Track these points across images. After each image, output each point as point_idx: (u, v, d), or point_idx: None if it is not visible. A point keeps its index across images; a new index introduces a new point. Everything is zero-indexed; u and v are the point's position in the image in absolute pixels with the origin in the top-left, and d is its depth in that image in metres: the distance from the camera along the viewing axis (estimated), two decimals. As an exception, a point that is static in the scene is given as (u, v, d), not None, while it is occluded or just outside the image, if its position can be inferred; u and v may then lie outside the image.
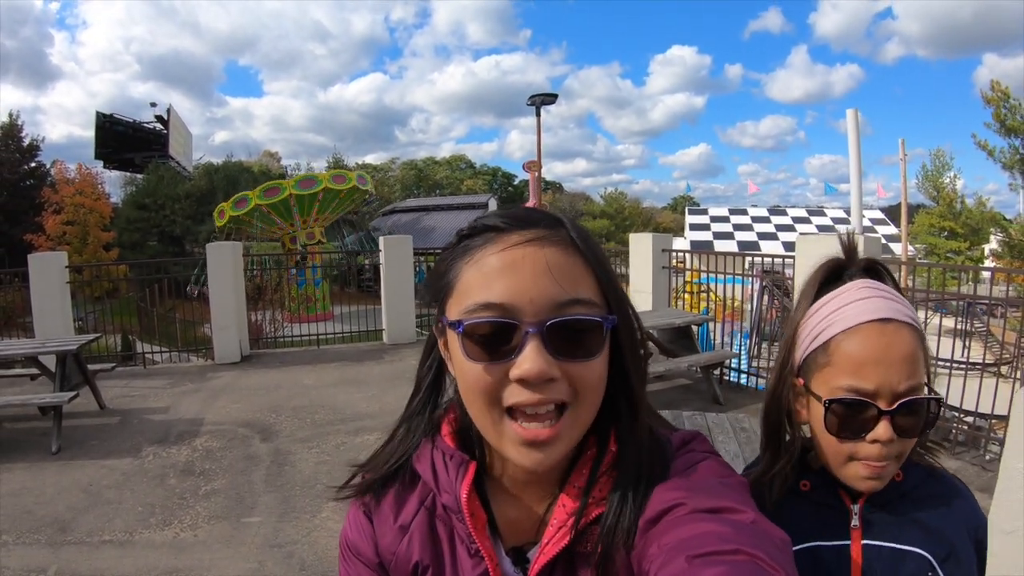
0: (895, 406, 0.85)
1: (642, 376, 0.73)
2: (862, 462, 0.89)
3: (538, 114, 19.26)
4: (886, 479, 0.90)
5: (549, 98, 19.44)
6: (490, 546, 0.72)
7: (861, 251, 0.99)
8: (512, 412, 0.65)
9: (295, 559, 3.46)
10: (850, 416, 0.88)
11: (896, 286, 0.95)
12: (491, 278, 0.64)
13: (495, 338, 0.63)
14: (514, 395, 0.63)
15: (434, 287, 0.72)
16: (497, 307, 0.63)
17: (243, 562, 3.43)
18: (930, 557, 0.91)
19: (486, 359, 0.64)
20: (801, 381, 0.96)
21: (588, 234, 0.70)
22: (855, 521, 0.93)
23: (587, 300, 0.65)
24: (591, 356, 0.65)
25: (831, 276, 0.98)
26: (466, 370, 0.66)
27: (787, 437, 1.01)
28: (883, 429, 0.86)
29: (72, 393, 5.29)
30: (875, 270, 0.97)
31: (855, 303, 0.89)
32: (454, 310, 0.67)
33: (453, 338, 0.67)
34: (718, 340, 7.93)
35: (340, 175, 21.77)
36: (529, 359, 0.62)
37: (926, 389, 0.89)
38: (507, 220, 0.68)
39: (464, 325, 0.64)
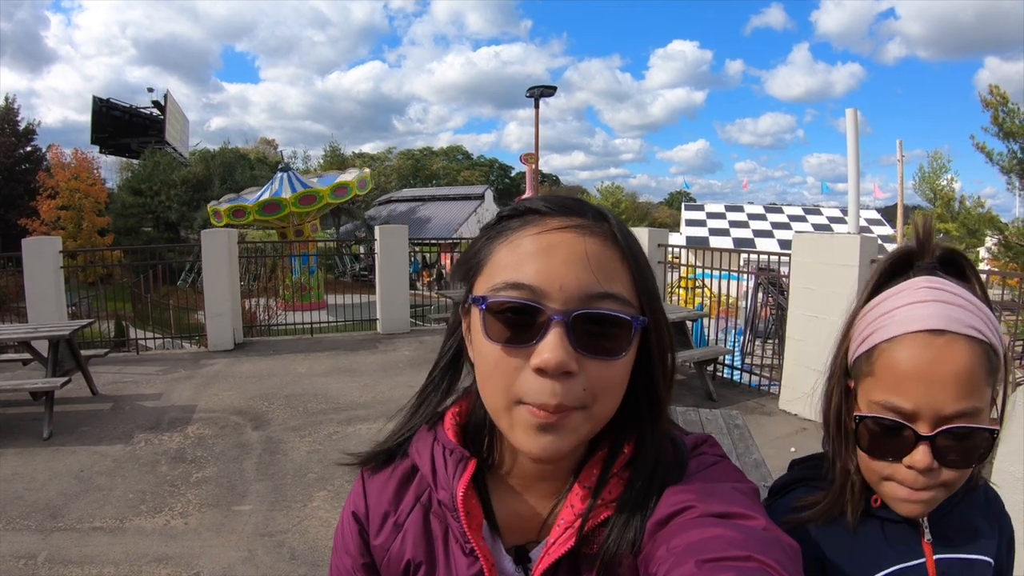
0: (935, 432, 0.74)
1: (669, 382, 0.71)
2: (899, 484, 0.79)
3: (536, 106, 19.22)
4: (931, 507, 0.80)
5: (548, 90, 19.40)
6: (486, 546, 0.70)
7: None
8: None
9: (285, 548, 3.46)
10: (884, 436, 0.78)
11: (980, 285, 0.82)
12: (524, 259, 0.62)
13: (518, 320, 0.61)
14: (531, 394, 0.60)
15: (465, 265, 0.69)
16: (525, 288, 0.61)
17: (233, 550, 3.43)
18: (991, 561, 0.86)
19: (505, 341, 0.62)
20: (852, 383, 0.86)
21: (630, 233, 0.68)
22: (928, 535, 0.84)
23: (620, 296, 0.62)
24: (615, 355, 0.62)
25: (900, 267, 0.86)
26: (485, 351, 0.64)
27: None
28: (921, 455, 0.76)
29: (64, 379, 5.27)
30: (954, 263, 0.84)
31: (908, 307, 0.79)
32: (482, 288, 0.65)
33: (476, 316, 0.65)
34: (712, 336, 7.94)
35: (342, 187, 21.07)
36: (550, 347, 0.59)
37: (989, 414, 0.76)
38: (550, 205, 0.66)
39: (488, 302, 0.62)
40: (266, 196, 20.56)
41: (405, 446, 0.80)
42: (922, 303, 0.77)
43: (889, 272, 0.86)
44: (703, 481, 0.67)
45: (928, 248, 0.84)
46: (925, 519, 0.84)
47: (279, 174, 22.28)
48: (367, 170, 22.90)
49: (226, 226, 19.59)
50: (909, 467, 0.76)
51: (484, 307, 0.63)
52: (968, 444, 0.75)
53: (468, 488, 0.70)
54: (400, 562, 0.75)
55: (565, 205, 0.66)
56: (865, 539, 0.84)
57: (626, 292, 0.64)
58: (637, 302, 0.65)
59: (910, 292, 0.79)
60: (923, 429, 0.75)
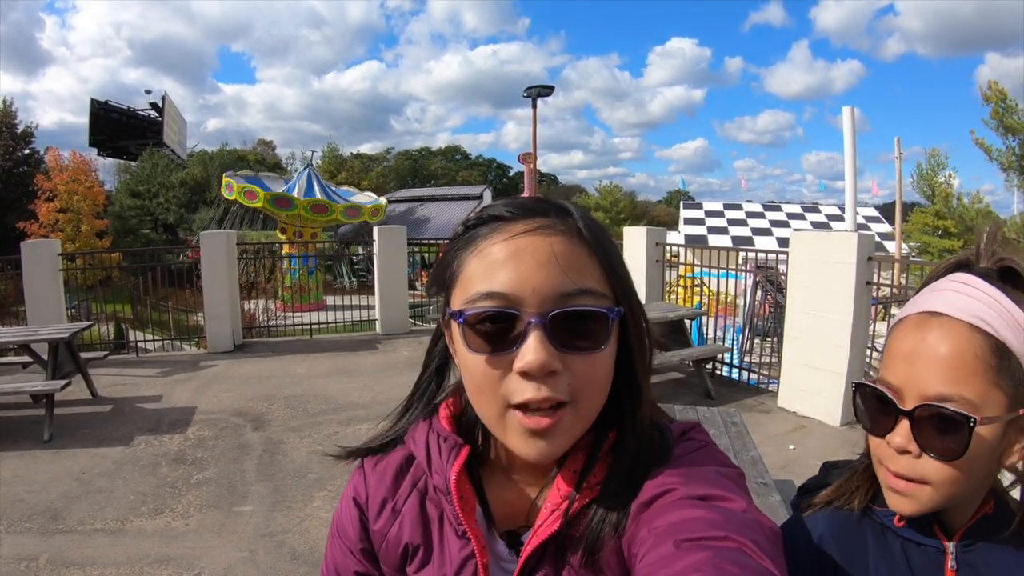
0: (914, 408, 0.74)
1: (647, 368, 0.72)
2: (887, 470, 0.79)
3: (534, 106, 19.22)
4: (921, 503, 0.77)
5: (546, 90, 19.38)
6: (477, 528, 0.72)
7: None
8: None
9: (286, 548, 3.47)
10: (876, 409, 0.79)
11: None
12: (494, 267, 0.63)
13: (497, 328, 0.62)
14: (518, 393, 0.62)
15: (439, 278, 0.71)
16: (499, 296, 0.62)
17: (234, 551, 3.44)
18: None
19: (488, 350, 0.63)
20: None
21: (597, 225, 0.69)
22: (952, 562, 0.80)
23: (593, 290, 0.64)
24: (596, 349, 0.64)
25: (957, 271, 0.82)
26: (469, 362, 0.65)
27: None
28: (900, 430, 0.75)
29: (64, 381, 5.28)
30: (1013, 273, 0.78)
31: (925, 294, 0.79)
32: (457, 300, 0.66)
33: (456, 330, 0.66)
34: (711, 334, 7.95)
35: (353, 208, 21.03)
36: (531, 350, 0.60)
37: (992, 414, 0.72)
38: (513, 209, 0.67)
39: (465, 315, 0.63)
40: (283, 189, 20.48)
41: (396, 444, 0.82)
42: (941, 291, 0.77)
43: (944, 274, 0.82)
44: (687, 465, 0.68)
45: (983, 256, 0.81)
46: (953, 546, 0.80)
47: (304, 170, 22.46)
48: (383, 200, 22.79)
49: (235, 200, 19.85)
50: (889, 444, 0.77)
51: (462, 320, 0.64)
52: (948, 430, 0.72)
53: (461, 473, 0.72)
54: (398, 546, 0.77)
55: (528, 207, 0.67)
56: (881, 563, 0.82)
57: (598, 285, 0.65)
58: (611, 293, 0.66)
59: (942, 282, 0.79)
60: (905, 406, 0.75)
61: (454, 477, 0.71)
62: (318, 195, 20.76)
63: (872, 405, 0.80)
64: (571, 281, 0.63)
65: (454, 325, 0.67)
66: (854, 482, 0.89)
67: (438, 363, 0.81)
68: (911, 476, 0.76)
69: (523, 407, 0.62)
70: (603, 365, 0.65)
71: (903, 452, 0.76)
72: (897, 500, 0.79)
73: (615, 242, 0.70)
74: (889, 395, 0.77)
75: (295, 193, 20.26)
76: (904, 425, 0.75)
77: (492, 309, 0.62)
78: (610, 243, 0.69)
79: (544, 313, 0.61)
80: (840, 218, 22.70)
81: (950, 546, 0.80)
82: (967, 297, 0.74)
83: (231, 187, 19.58)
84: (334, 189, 23.15)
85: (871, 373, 5.72)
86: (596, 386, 0.65)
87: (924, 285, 0.83)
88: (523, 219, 0.66)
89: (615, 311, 0.65)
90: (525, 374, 0.61)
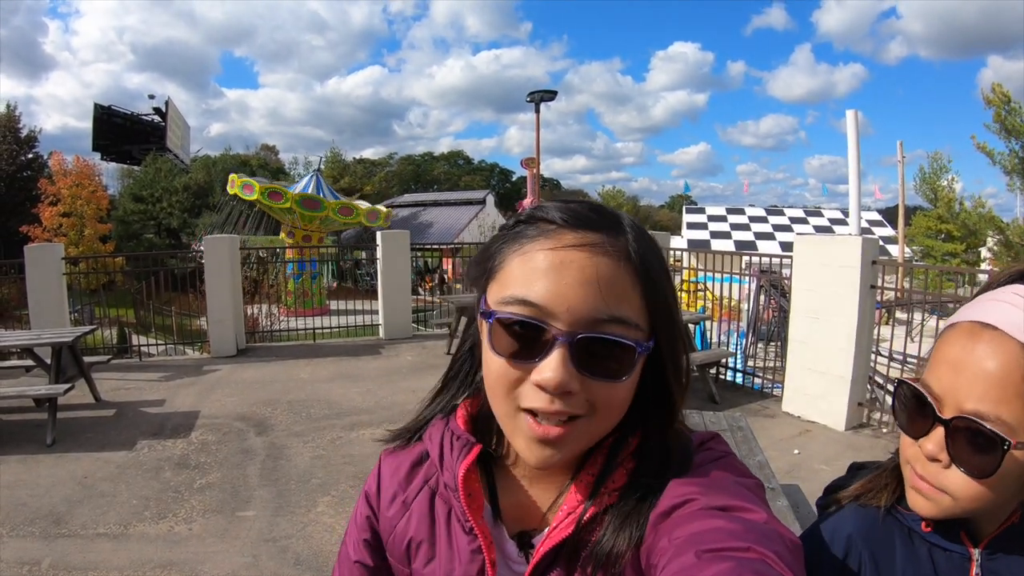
0: (951, 418, 0.72)
1: (683, 391, 0.72)
2: (912, 467, 0.79)
3: (537, 111, 19.27)
4: (941, 508, 0.76)
5: (548, 95, 19.43)
6: (485, 525, 0.72)
7: None
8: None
9: (289, 553, 3.46)
10: (914, 410, 0.78)
11: None
12: (534, 275, 0.62)
13: (523, 335, 0.62)
14: (531, 399, 0.62)
15: (481, 266, 0.70)
16: (532, 306, 0.61)
17: (238, 556, 3.43)
18: None
19: (510, 355, 0.63)
20: None
21: (649, 244, 0.67)
22: (976, 569, 0.79)
23: (627, 320, 0.63)
24: (617, 378, 0.63)
25: (1018, 279, 0.79)
26: (490, 361, 0.65)
27: None
28: (934, 437, 0.74)
29: (67, 385, 5.27)
30: None
31: (982, 302, 0.76)
32: (492, 297, 0.66)
33: (483, 327, 0.66)
34: (715, 339, 7.93)
35: (347, 207, 20.64)
36: (552, 367, 0.60)
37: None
38: (566, 216, 0.65)
39: (495, 316, 0.63)
40: (309, 191, 20.36)
41: (423, 431, 0.83)
42: (997, 302, 0.74)
43: (1006, 282, 0.79)
44: (707, 475, 0.67)
45: None
46: (978, 553, 0.80)
47: (311, 173, 22.48)
48: (386, 209, 22.78)
49: (256, 201, 19.55)
50: (921, 449, 0.76)
51: (492, 320, 0.64)
52: (981, 448, 0.70)
53: (470, 471, 0.72)
54: (404, 540, 0.78)
55: (581, 218, 0.65)
56: (906, 568, 0.82)
57: (634, 315, 0.64)
58: (647, 323, 0.65)
59: (1000, 292, 0.76)
60: (944, 414, 0.73)
61: (462, 473, 0.71)
62: (341, 198, 20.82)
63: (911, 404, 0.79)
64: (607, 307, 0.62)
65: (482, 322, 0.67)
66: (883, 479, 0.88)
67: (472, 343, 0.81)
68: (935, 484, 0.75)
69: (532, 412, 0.63)
70: (621, 394, 0.65)
71: (933, 459, 0.75)
72: (918, 500, 0.78)
73: (664, 259, 0.69)
74: (929, 399, 0.75)
75: (322, 195, 20.23)
76: (939, 432, 0.74)
77: (522, 317, 0.62)
78: (659, 265, 0.67)
79: (573, 333, 0.61)
80: (843, 222, 22.70)
81: (976, 553, 0.80)
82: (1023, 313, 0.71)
83: (251, 187, 19.10)
84: (355, 200, 23.21)
85: (876, 378, 5.72)
86: (610, 410, 0.65)
87: (984, 290, 0.80)
88: (574, 230, 0.64)
89: (644, 346, 0.64)
90: (541, 387, 0.61)
